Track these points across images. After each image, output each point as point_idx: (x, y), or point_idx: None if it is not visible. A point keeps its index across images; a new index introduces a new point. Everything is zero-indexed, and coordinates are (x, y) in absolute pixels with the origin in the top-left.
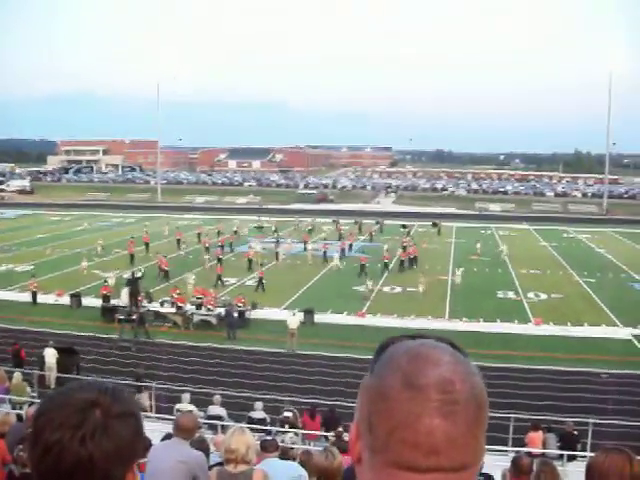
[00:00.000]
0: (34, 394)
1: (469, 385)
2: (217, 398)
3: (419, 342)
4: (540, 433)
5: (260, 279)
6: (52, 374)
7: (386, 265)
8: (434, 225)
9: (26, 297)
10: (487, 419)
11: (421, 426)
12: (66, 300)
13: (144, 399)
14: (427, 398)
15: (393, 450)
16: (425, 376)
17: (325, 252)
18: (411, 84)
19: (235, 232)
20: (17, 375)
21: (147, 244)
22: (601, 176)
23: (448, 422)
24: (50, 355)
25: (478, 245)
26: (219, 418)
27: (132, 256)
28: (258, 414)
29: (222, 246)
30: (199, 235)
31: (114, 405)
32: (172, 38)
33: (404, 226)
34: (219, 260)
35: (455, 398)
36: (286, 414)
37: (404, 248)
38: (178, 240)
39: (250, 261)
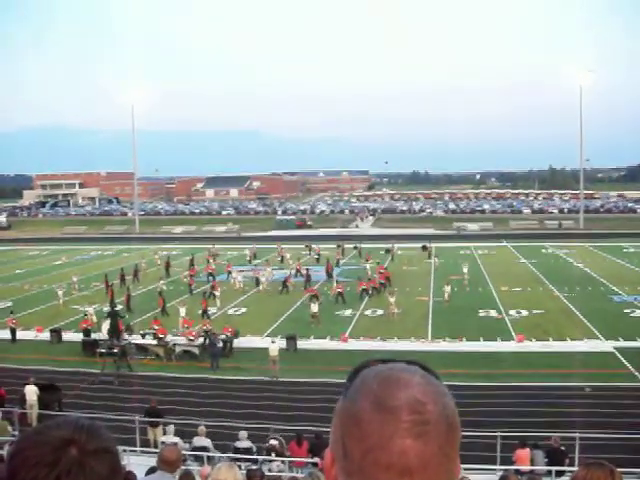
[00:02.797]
0: (15, 433)
1: (440, 406)
2: (202, 429)
3: (390, 365)
4: (527, 450)
5: (204, 310)
6: (33, 412)
7: (375, 289)
8: (424, 248)
9: (5, 334)
10: (459, 439)
11: (393, 447)
12: (46, 335)
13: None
14: (398, 419)
15: (367, 472)
16: (396, 398)
17: (309, 277)
18: (384, 107)
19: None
20: None
21: (136, 273)
22: (576, 191)
23: (420, 442)
24: (31, 392)
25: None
26: (204, 449)
27: (108, 287)
28: (244, 443)
29: (212, 274)
30: (208, 260)
31: (90, 442)
32: (146, 70)
33: (387, 251)
34: (212, 291)
35: (426, 418)
36: (272, 442)
37: (380, 272)
38: (167, 268)
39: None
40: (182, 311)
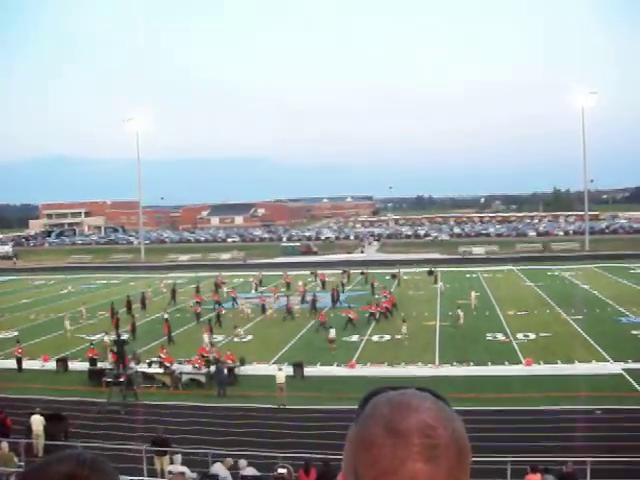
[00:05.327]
0: (21, 464)
1: (450, 430)
2: (228, 461)
3: (400, 392)
4: (538, 475)
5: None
6: (40, 442)
7: (382, 314)
8: (430, 273)
9: (11, 364)
10: (470, 464)
11: (405, 471)
12: (52, 365)
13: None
14: (409, 443)
15: None
16: (407, 422)
17: (314, 303)
18: (388, 132)
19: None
20: (3, 445)
21: (143, 301)
22: (581, 213)
23: (430, 466)
24: (37, 422)
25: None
26: (215, 478)
27: (113, 316)
28: (247, 471)
29: (219, 303)
30: (216, 287)
31: (93, 477)
32: (151, 99)
33: (394, 276)
34: (218, 317)
35: (437, 442)
36: (280, 471)
37: (385, 297)
38: (173, 296)
39: (218, 316)
40: (205, 337)
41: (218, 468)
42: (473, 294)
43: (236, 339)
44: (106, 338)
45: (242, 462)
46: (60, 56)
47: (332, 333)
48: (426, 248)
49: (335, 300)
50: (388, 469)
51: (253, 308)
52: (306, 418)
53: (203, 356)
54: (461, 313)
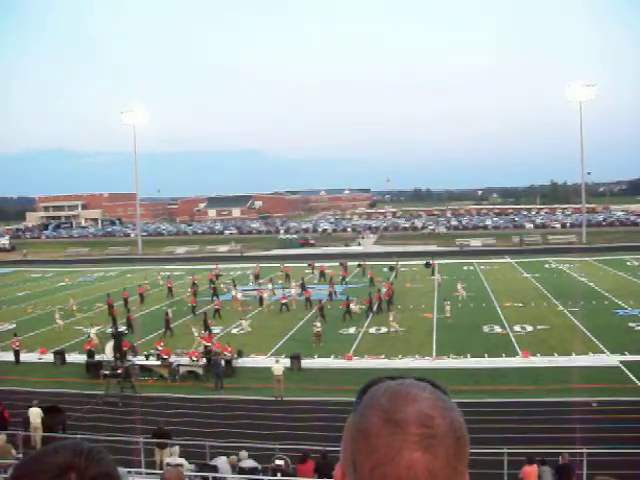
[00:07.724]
0: (19, 456)
1: (448, 420)
2: (243, 454)
3: (399, 382)
4: (535, 467)
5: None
6: (37, 434)
7: (370, 307)
8: (427, 265)
9: (9, 356)
10: (468, 453)
11: (402, 460)
12: (50, 357)
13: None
14: (407, 432)
15: None
16: (405, 412)
17: (308, 297)
18: (386, 125)
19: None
20: (1, 437)
21: (142, 295)
22: (578, 206)
23: (428, 455)
24: (35, 415)
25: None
26: (214, 469)
27: (111, 308)
28: (247, 463)
29: (216, 294)
30: (211, 280)
31: (90, 467)
32: (148, 91)
33: (391, 268)
34: (217, 311)
35: (434, 432)
36: (278, 462)
37: (379, 290)
38: (169, 288)
39: (217, 309)
40: (195, 331)
41: (223, 462)
42: (459, 286)
43: (235, 330)
44: (92, 333)
45: (243, 453)
46: (58, 47)
47: (318, 327)
48: (423, 240)
49: (331, 293)
50: (385, 458)
51: (248, 300)
52: (303, 410)
53: (206, 346)
54: (448, 307)
